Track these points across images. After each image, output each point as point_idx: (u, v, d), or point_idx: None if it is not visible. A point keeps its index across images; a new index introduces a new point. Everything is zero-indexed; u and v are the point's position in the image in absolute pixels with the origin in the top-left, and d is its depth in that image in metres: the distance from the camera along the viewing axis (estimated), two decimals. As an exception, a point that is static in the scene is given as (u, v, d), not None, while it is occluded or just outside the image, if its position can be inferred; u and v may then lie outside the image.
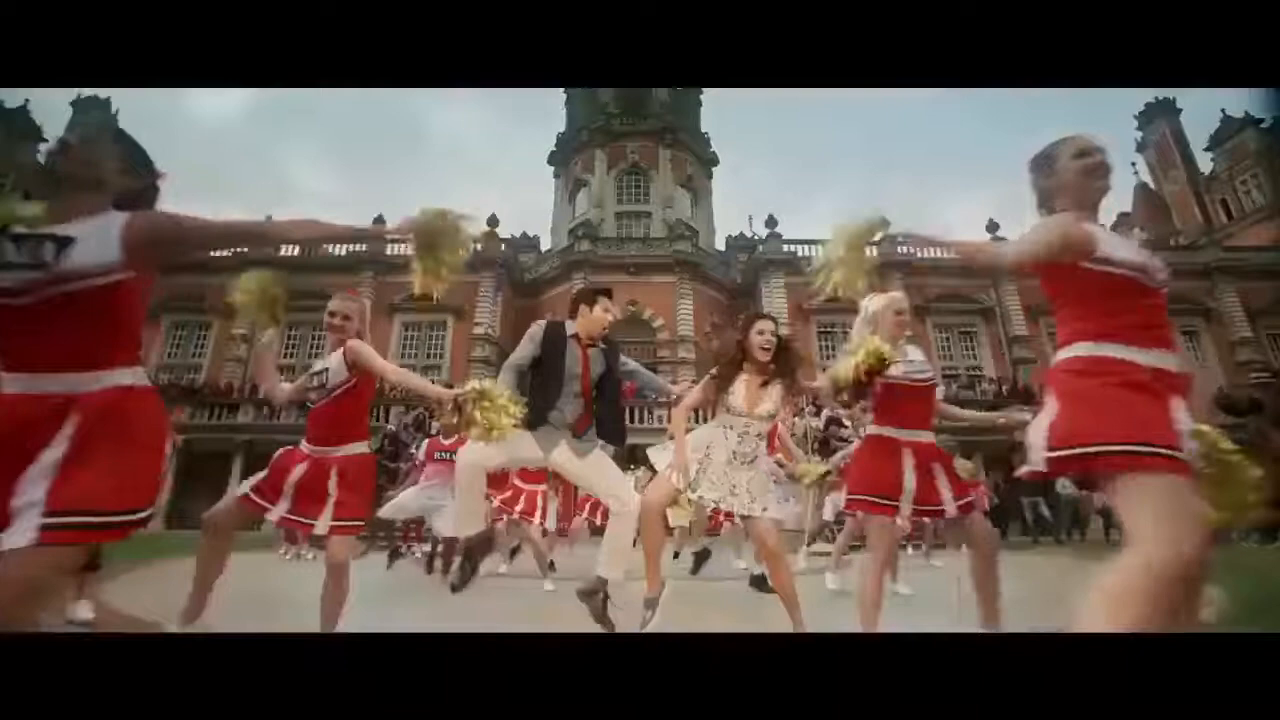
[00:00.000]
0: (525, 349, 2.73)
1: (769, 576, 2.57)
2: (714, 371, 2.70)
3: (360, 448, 2.42)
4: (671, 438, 2.71)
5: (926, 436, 2.39)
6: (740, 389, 2.65)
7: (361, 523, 2.30)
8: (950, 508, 2.28)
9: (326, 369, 2.40)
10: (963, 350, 22.12)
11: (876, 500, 2.28)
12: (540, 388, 2.67)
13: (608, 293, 2.87)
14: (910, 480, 2.26)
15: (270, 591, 4.45)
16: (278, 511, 2.27)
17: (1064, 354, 1.35)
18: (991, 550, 2.26)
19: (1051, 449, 1.24)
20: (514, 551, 6.51)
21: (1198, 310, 22.27)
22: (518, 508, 5.40)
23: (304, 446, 2.40)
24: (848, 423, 12.32)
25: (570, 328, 2.77)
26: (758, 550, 2.63)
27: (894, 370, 2.31)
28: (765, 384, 2.65)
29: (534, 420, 2.54)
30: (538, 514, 5.41)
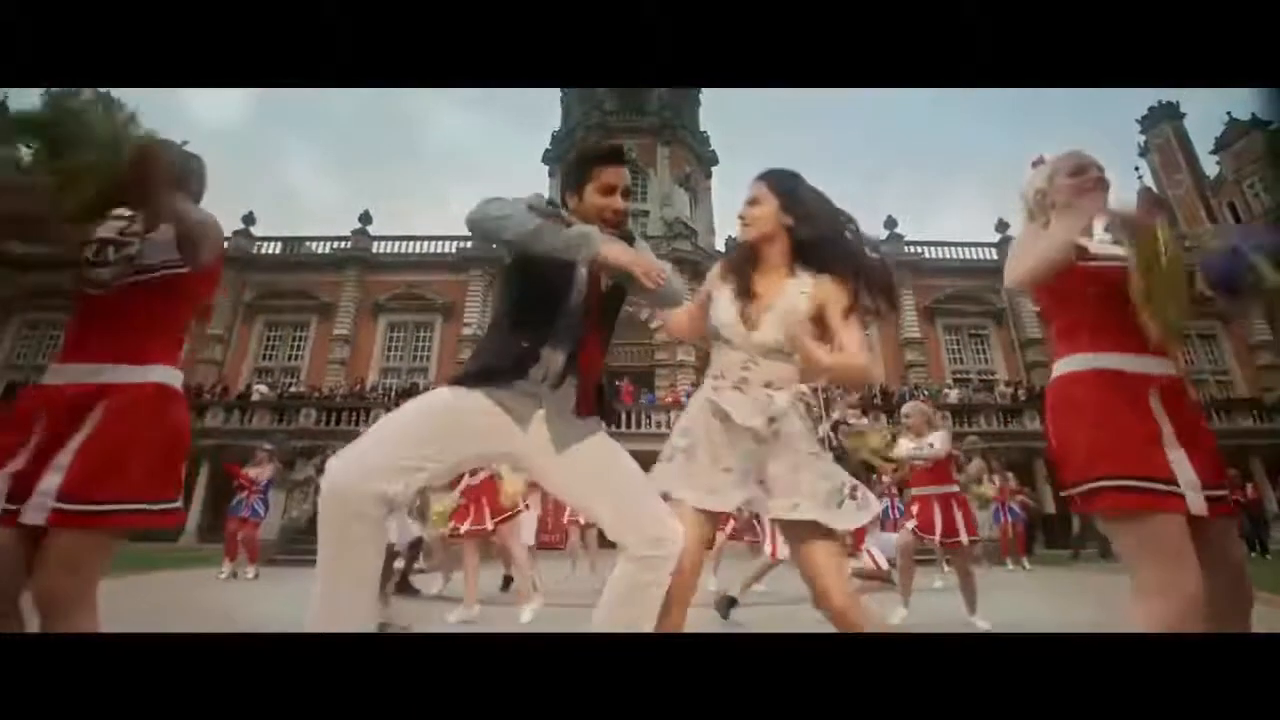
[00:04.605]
0: (526, 219, 1.36)
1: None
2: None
3: (160, 374, 1.35)
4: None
5: (1170, 368, 1.33)
6: (724, 297, 1.54)
7: (129, 509, 1.21)
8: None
9: (141, 239, 1.39)
10: (973, 352, 21.41)
11: (1148, 485, 1.17)
12: (519, 312, 1.47)
13: (617, 154, 1.58)
14: (1175, 444, 1.22)
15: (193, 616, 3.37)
16: None
17: None
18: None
19: None
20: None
21: (1215, 314, 21.73)
22: (466, 523, 4.13)
23: (54, 375, 1.32)
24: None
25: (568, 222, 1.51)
26: (810, 581, 1.41)
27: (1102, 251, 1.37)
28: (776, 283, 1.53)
29: (498, 371, 1.42)
30: (518, 516, 4.27)
